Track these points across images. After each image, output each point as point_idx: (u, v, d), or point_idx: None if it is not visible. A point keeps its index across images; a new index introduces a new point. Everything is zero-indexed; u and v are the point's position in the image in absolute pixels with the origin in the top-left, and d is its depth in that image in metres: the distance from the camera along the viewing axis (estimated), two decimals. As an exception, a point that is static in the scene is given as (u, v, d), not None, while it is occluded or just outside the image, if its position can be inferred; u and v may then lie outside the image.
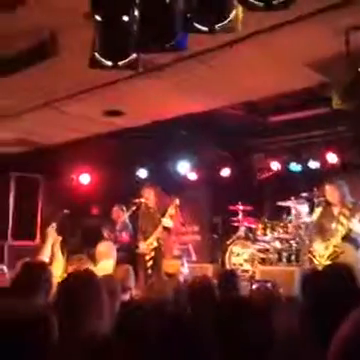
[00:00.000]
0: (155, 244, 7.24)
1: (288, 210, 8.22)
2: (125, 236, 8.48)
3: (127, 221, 8.55)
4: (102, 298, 2.45)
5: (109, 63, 3.87)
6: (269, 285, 5.96)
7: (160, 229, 7.24)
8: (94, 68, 3.97)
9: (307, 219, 7.44)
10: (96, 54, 3.91)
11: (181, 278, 5.43)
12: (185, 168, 9.33)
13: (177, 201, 7.39)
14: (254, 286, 6.49)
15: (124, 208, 8.67)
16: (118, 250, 7.60)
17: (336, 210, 6.09)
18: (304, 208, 7.94)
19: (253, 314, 2.16)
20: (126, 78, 5.24)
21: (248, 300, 2.97)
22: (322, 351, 1.93)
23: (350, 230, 5.84)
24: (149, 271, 7.11)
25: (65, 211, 8.81)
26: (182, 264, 5.63)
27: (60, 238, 5.48)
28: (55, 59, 4.86)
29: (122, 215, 8.63)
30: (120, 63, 3.87)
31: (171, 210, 7.29)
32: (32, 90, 5.83)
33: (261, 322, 2.10)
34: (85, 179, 9.82)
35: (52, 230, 5.35)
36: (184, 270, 5.61)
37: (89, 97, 6.02)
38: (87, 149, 8.85)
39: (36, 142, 8.38)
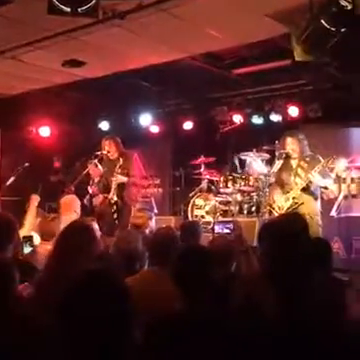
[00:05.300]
0: (115, 198, 7.15)
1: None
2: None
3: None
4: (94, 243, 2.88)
5: (68, 9, 3.75)
6: (230, 225, 6.06)
7: (114, 186, 7.10)
8: (52, 14, 3.83)
9: (268, 172, 7.55)
10: (54, 0, 3.77)
11: (147, 231, 5.45)
12: (147, 121, 9.25)
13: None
14: (217, 227, 6.60)
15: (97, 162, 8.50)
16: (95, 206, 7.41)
17: (294, 163, 6.17)
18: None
19: (214, 261, 2.22)
20: (86, 26, 5.07)
21: (209, 248, 3.05)
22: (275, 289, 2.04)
23: (310, 182, 5.93)
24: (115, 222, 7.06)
25: (26, 164, 8.65)
26: (151, 218, 5.62)
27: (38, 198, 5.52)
28: (10, 6, 4.65)
29: (98, 170, 8.42)
30: (79, 9, 3.75)
31: (120, 163, 7.06)
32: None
33: (221, 268, 2.16)
34: (45, 132, 9.58)
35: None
36: (152, 224, 5.62)
37: (47, 46, 5.82)
38: (47, 101, 8.63)
39: (-7, 92, 8.12)
